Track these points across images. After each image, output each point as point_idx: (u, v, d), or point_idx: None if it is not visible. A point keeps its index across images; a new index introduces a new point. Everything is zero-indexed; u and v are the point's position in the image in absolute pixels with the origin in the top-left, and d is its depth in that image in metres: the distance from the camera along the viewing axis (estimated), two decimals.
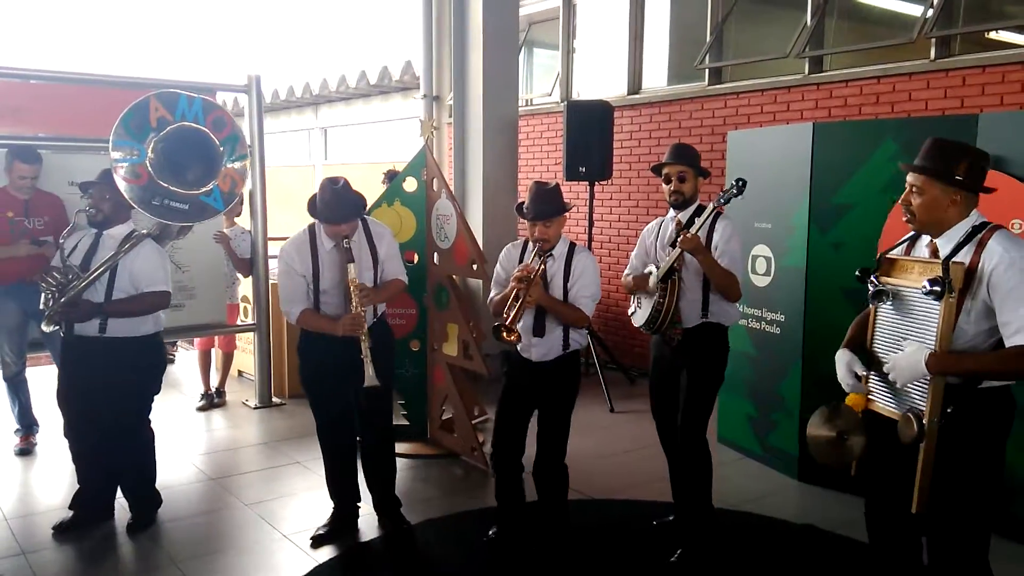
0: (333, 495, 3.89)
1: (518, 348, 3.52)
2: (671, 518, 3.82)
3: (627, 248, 7.16)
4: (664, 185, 3.58)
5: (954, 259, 2.37)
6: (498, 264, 3.66)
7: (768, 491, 4.42)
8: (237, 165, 4.20)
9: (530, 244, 3.55)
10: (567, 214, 3.53)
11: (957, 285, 2.31)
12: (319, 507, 4.01)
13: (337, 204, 3.52)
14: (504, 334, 3.31)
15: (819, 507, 4.17)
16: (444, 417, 5.12)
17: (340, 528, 3.82)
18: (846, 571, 3.52)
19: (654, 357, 3.74)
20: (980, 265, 2.33)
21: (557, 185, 3.51)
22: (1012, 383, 2.44)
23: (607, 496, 4.32)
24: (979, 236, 2.38)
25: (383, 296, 3.75)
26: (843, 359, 2.66)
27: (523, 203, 3.50)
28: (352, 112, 11.92)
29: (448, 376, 4.88)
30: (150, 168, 3.83)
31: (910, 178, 2.50)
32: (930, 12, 5.36)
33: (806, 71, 6.02)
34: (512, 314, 3.31)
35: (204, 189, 4.00)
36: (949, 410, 2.35)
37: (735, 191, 3.36)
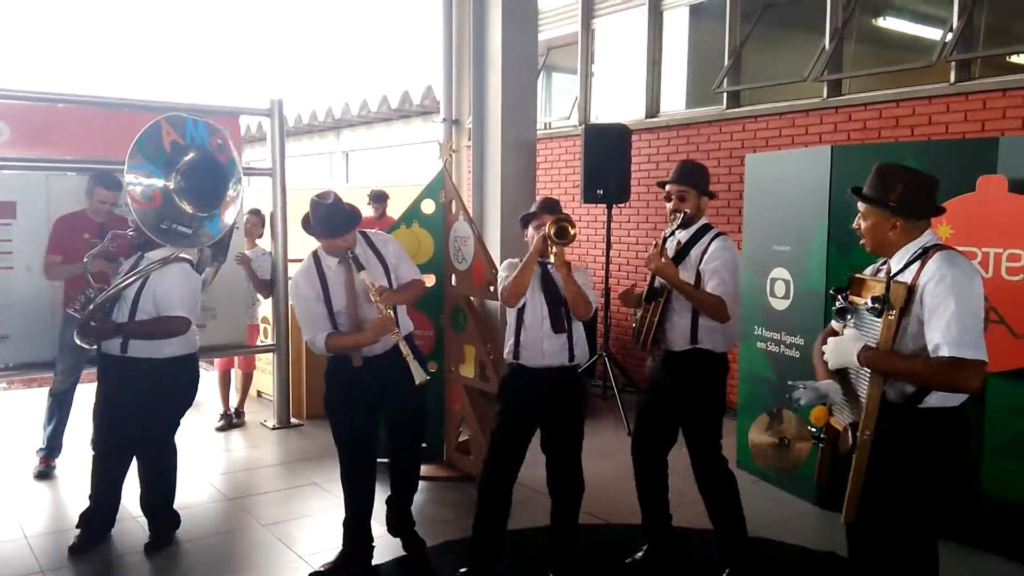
0: (347, 534, 3.69)
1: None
2: (639, 556, 3.72)
3: (645, 272, 7.14)
4: (666, 203, 3.58)
5: (899, 278, 2.42)
6: None
7: (788, 517, 4.37)
8: (234, 190, 4.11)
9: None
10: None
11: (898, 303, 2.36)
12: (335, 528, 3.98)
13: (330, 217, 3.45)
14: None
15: (840, 533, 4.06)
16: (460, 439, 5.12)
17: (347, 568, 3.65)
18: None
19: (650, 380, 3.68)
20: (918, 282, 2.38)
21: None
22: (964, 402, 2.43)
23: (625, 522, 4.28)
24: (926, 256, 2.42)
25: (405, 296, 3.64)
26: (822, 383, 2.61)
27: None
28: (373, 136, 12.04)
29: (465, 398, 4.88)
30: (174, 193, 3.83)
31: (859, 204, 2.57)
32: (949, 36, 5.35)
33: (824, 95, 6.02)
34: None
35: (208, 214, 3.97)
36: (884, 425, 2.37)
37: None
